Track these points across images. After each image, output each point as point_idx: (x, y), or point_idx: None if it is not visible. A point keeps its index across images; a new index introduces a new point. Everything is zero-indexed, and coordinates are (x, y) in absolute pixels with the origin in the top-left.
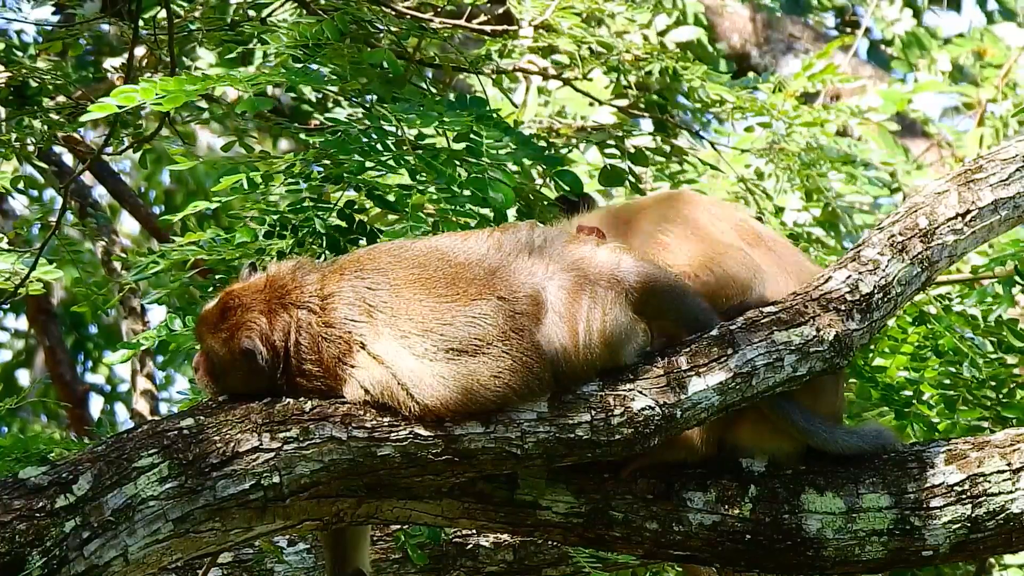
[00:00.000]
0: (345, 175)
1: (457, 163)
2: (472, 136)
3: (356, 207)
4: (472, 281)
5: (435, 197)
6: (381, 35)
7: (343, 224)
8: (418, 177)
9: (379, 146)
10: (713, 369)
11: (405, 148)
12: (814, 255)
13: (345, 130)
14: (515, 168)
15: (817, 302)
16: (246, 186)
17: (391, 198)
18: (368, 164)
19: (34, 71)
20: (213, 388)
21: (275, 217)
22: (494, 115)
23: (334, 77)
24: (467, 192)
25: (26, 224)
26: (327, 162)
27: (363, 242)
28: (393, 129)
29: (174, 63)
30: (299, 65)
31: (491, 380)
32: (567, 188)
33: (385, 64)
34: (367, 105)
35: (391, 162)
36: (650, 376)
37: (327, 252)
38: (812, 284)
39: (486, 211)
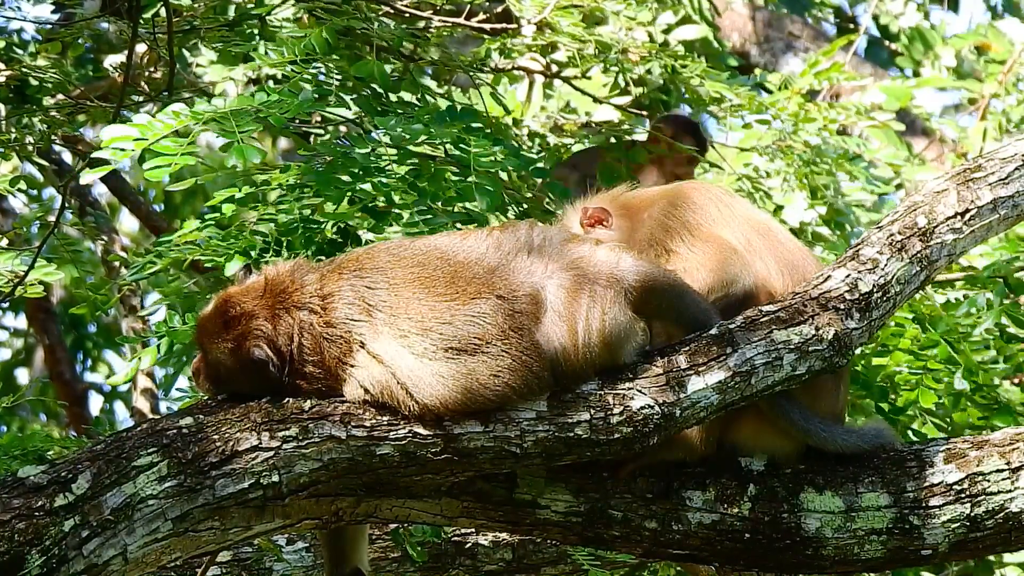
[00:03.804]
0: (335, 200)
1: (444, 177)
2: (460, 147)
3: (347, 222)
4: (471, 280)
5: (414, 219)
6: (374, 41)
7: (337, 238)
8: (397, 200)
9: (362, 171)
10: (712, 368)
11: (389, 168)
12: (820, 253)
13: (331, 158)
14: (503, 176)
15: (816, 301)
16: (242, 198)
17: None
18: (355, 188)
19: (34, 69)
20: (213, 391)
21: (270, 233)
22: (483, 125)
23: (333, 83)
24: (450, 208)
25: (25, 223)
26: (313, 179)
27: None
28: (381, 140)
29: (173, 62)
30: (296, 73)
31: (490, 379)
32: (554, 198)
33: (375, 74)
34: (356, 121)
35: (372, 187)
36: (649, 375)
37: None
38: (811, 283)
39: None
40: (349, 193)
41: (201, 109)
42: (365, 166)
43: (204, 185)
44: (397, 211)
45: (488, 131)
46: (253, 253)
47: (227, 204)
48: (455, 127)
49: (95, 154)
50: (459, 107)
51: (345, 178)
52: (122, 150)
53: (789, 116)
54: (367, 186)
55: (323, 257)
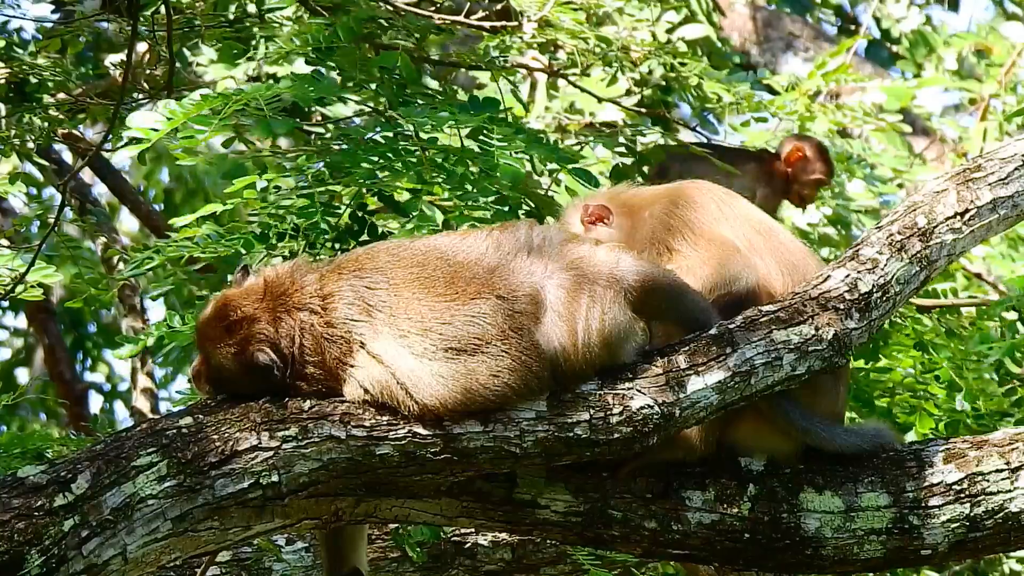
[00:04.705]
0: (358, 179)
1: (468, 161)
2: (483, 134)
3: (366, 208)
4: (471, 280)
5: (446, 196)
6: (396, 36)
7: (354, 226)
8: (427, 178)
9: (390, 153)
10: (712, 368)
11: (416, 152)
12: (827, 253)
13: (354, 138)
14: (526, 159)
15: (816, 301)
16: (257, 189)
17: (404, 196)
18: (379, 171)
19: (34, 68)
20: (214, 393)
21: (285, 221)
22: (505, 116)
23: (345, 81)
24: (476, 189)
25: (25, 222)
26: (334, 164)
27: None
28: (404, 132)
29: (173, 60)
30: (310, 69)
31: (490, 379)
32: (585, 184)
33: (398, 65)
34: (379, 110)
35: (400, 166)
36: (649, 375)
37: (336, 254)
38: (811, 283)
39: (499, 207)
40: (377, 171)
41: (228, 91)
42: (392, 147)
43: (205, 185)
44: (428, 190)
45: (510, 121)
46: (272, 233)
47: (248, 190)
48: (479, 117)
49: (126, 134)
50: (480, 99)
51: (374, 157)
52: (155, 130)
53: (788, 115)
54: (397, 164)
55: (346, 248)
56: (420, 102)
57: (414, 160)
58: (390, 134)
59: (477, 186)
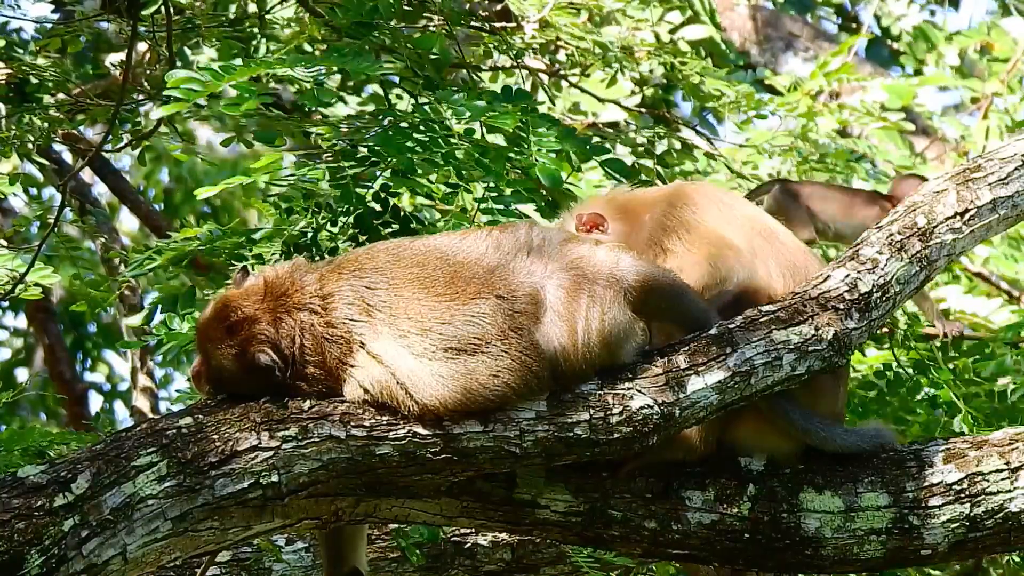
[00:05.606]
0: (384, 160)
1: (506, 159)
2: (520, 127)
3: (389, 189)
4: (471, 280)
5: (483, 196)
6: (430, 19)
7: (377, 207)
8: (465, 174)
9: (427, 139)
10: (712, 368)
11: (454, 141)
12: (832, 252)
13: (393, 123)
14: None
15: (816, 301)
16: (286, 169)
17: (443, 187)
18: (416, 160)
19: (34, 68)
20: (214, 393)
21: (309, 198)
22: (536, 109)
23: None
24: (511, 191)
25: (25, 222)
26: (377, 139)
27: (395, 227)
28: (441, 120)
29: (172, 60)
30: (304, 57)
31: (490, 379)
32: (615, 174)
33: (437, 48)
34: (413, 92)
35: (439, 159)
36: (649, 375)
37: (359, 237)
38: (810, 283)
39: (529, 207)
40: (414, 157)
41: (265, 57)
42: (431, 132)
43: (204, 183)
44: (466, 188)
45: (544, 114)
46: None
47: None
48: (516, 108)
49: (165, 92)
50: (514, 90)
51: (409, 143)
52: (195, 91)
53: (788, 112)
54: (436, 155)
55: (363, 225)
56: (456, 90)
57: (456, 151)
58: (427, 120)
59: (511, 185)
